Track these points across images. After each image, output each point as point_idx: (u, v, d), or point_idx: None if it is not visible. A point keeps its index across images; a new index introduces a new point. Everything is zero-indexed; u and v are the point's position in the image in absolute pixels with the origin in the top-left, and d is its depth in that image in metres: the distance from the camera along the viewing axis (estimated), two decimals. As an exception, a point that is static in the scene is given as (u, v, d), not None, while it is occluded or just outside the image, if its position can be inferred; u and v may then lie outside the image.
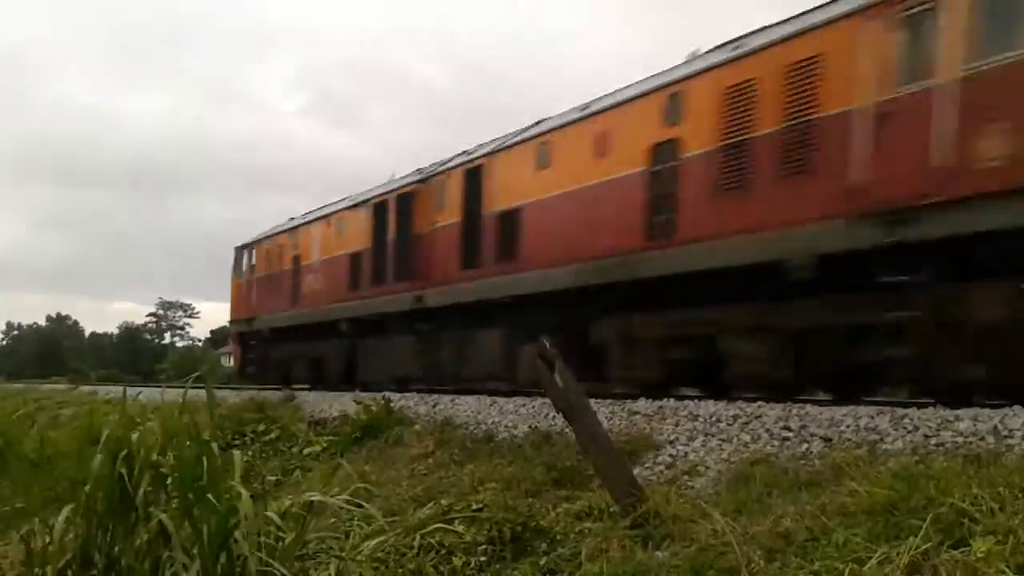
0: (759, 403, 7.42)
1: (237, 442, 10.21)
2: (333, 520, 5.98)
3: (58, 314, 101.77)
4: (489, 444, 8.36)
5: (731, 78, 8.56)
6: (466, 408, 10.15)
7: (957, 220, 6.58)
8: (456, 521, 5.45)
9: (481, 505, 5.66)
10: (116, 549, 3.61)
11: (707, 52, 9.48)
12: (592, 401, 5.93)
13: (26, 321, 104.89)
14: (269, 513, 3.62)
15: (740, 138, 8.39)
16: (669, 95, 9.30)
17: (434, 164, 13.79)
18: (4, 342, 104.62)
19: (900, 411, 6.17)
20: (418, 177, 13.88)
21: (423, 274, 13.15)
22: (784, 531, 4.28)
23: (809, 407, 6.87)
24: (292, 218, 18.79)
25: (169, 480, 3.72)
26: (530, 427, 8.57)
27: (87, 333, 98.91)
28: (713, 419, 7.08)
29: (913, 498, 4.02)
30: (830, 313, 7.63)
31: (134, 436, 3.70)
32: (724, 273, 8.41)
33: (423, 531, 5.34)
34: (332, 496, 5.22)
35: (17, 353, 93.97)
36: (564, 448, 7.25)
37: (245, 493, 3.35)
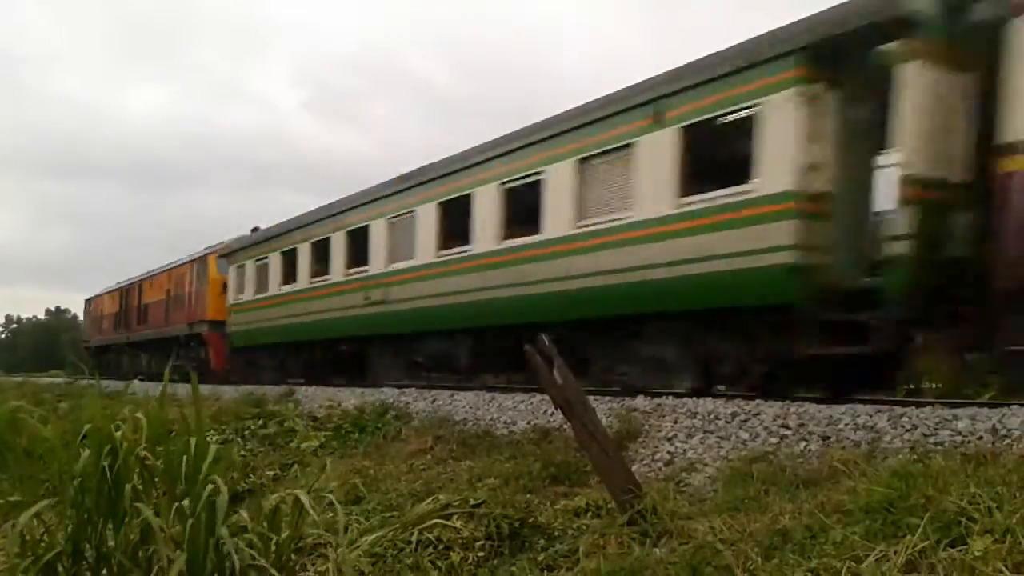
0: (757, 401, 7.42)
1: (233, 437, 10.20)
2: (331, 515, 5.98)
3: (57, 307, 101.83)
4: (487, 440, 8.36)
5: (170, 272, 26.47)
6: (464, 404, 10.14)
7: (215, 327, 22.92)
8: (454, 517, 5.44)
9: (479, 501, 5.65)
10: (108, 543, 3.61)
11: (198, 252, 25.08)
12: (590, 398, 5.92)
13: (25, 314, 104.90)
14: (241, 513, 3.60)
15: (179, 292, 24.82)
16: (167, 272, 26.35)
17: (136, 276, 30.73)
18: (3, 335, 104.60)
19: (899, 410, 6.17)
20: (132, 281, 30.92)
21: (130, 326, 30.31)
22: (782, 529, 4.28)
23: (808, 405, 6.87)
24: (121, 281, 33.76)
25: (157, 475, 3.72)
26: (528, 423, 8.57)
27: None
28: (711, 416, 7.08)
29: (911, 497, 4.01)
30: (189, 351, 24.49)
31: (118, 432, 3.69)
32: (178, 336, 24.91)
33: (421, 526, 5.33)
34: (328, 492, 5.21)
35: (16, 346, 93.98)
36: (562, 444, 7.25)
37: (223, 487, 3.34)
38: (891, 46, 7.21)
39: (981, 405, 6.47)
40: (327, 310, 15.78)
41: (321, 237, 16.31)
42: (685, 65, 9.24)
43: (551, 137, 10.71)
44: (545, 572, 4.82)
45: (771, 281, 7.88)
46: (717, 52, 8.81)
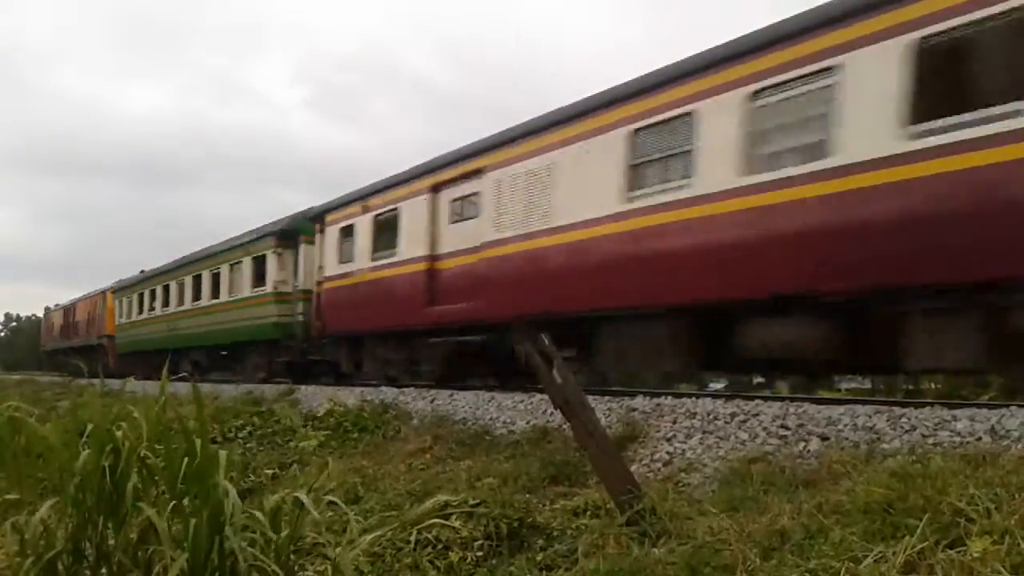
0: (757, 401, 7.43)
1: (232, 436, 10.20)
2: (331, 514, 5.98)
3: (56, 305, 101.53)
4: (486, 440, 8.36)
5: (89, 299, 37.65)
6: (464, 404, 10.14)
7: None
8: (453, 516, 5.44)
9: (478, 501, 5.65)
10: (108, 542, 3.61)
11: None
12: (590, 398, 5.92)
13: (25, 312, 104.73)
14: (256, 513, 3.60)
15: (92, 314, 35.81)
16: (88, 300, 37.44)
17: (74, 299, 40.73)
18: (3, 334, 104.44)
19: (898, 410, 6.17)
20: (71, 303, 40.75)
21: (68, 336, 40.04)
22: (781, 529, 4.28)
23: (807, 405, 6.87)
24: (67, 301, 42.72)
25: (158, 475, 3.72)
26: (528, 423, 8.57)
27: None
28: (711, 417, 7.08)
29: (910, 497, 4.02)
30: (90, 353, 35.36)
31: (119, 432, 3.69)
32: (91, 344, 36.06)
33: (420, 526, 5.33)
34: (327, 492, 5.21)
35: (16, 345, 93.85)
36: (561, 444, 7.26)
37: (232, 490, 3.34)
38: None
39: (980, 406, 6.47)
40: (156, 332, 26.66)
41: (150, 288, 28.12)
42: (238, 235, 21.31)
43: (220, 252, 21.99)
44: (544, 572, 4.82)
45: (270, 328, 18.45)
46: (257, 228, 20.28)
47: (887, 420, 6.00)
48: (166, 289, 25.96)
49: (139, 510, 3.51)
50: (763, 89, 7.94)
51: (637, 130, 9.28)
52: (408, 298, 12.84)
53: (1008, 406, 5.99)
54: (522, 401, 9.39)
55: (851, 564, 3.63)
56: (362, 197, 14.87)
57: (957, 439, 5.44)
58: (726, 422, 6.90)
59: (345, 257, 15.16)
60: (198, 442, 3.43)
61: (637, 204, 9.12)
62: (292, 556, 3.81)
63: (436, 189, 12.67)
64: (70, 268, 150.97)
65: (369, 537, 5.03)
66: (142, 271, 30.53)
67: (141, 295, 28.76)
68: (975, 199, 6.41)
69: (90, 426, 3.86)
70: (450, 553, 5.11)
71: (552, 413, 7.97)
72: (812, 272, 7.46)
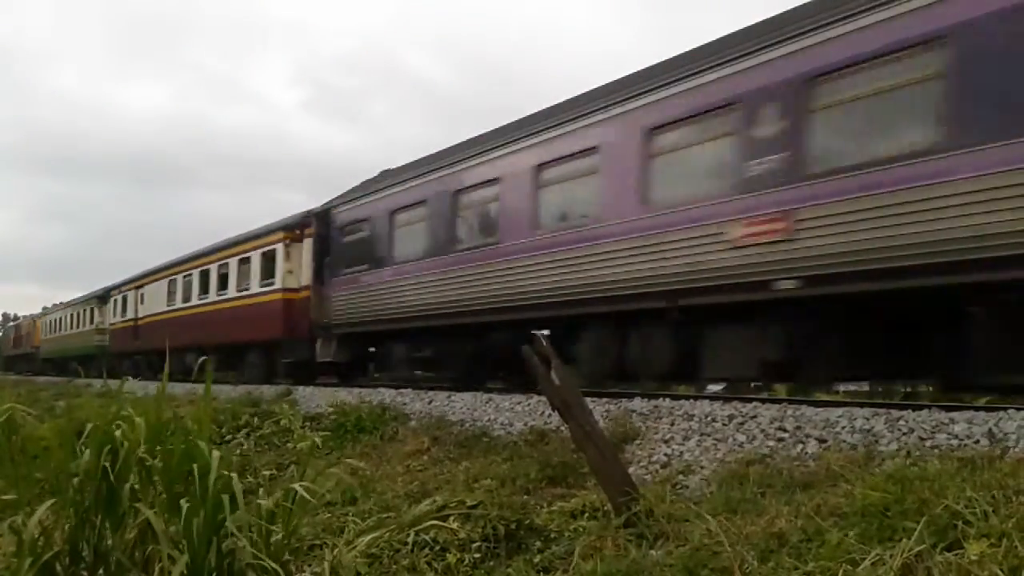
0: (755, 403, 7.43)
1: (229, 437, 10.18)
2: (328, 515, 5.97)
3: (54, 305, 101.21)
4: (484, 441, 8.36)
5: (28, 321, 56.28)
6: (462, 405, 10.14)
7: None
8: (451, 518, 5.44)
9: (476, 502, 5.65)
10: (106, 543, 3.60)
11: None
12: (588, 399, 5.92)
13: (22, 313, 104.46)
14: (248, 518, 3.58)
15: (29, 331, 53.01)
16: (28, 320, 56.34)
17: (24, 318, 60.16)
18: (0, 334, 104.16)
19: (896, 413, 6.18)
20: (20, 321, 60.27)
21: (18, 345, 54.78)
22: (778, 531, 4.28)
23: (805, 408, 6.88)
24: (18, 319, 62.25)
25: (156, 475, 3.71)
26: (525, 424, 8.57)
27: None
28: (708, 419, 7.09)
29: (907, 500, 4.02)
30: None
31: (118, 432, 3.69)
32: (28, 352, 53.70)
33: (417, 527, 5.33)
34: (324, 492, 5.20)
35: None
36: (559, 446, 7.25)
37: (238, 486, 3.33)
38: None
39: (978, 409, 6.49)
40: (55, 346, 41.07)
41: (52, 317, 42.74)
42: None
43: (81, 301, 38.79)
44: (541, 574, 4.82)
45: (94, 348, 34.07)
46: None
47: (885, 423, 6.00)
48: (60, 319, 41.50)
49: (137, 510, 3.50)
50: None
51: (176, 279, 25.19)
52: (129, 336, 29.06)
53: (1006, 409, 6.01)
54: (520, 403, 9.39)
55: (848, 567, 3.63)
56: (119, 286, 31.16)
57: (955, 442, 5.45)
58: (724, 424, 6.90)
59: (116, 314, 31.20)
60: (201, 444, 3.43)
61: (175, 306, 24.84)
62: (290, 555, 3.81)
63: (139, 288, 28.72)
64: (68, 268, 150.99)
65: (367, 538, 5.04)
66: (59, 303, 45.82)
67: (49, 321, 44.37)
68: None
69: (89, 426, 3.85)
70: (447, 555, 5.10)
71: (550, 415, 7.97)
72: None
